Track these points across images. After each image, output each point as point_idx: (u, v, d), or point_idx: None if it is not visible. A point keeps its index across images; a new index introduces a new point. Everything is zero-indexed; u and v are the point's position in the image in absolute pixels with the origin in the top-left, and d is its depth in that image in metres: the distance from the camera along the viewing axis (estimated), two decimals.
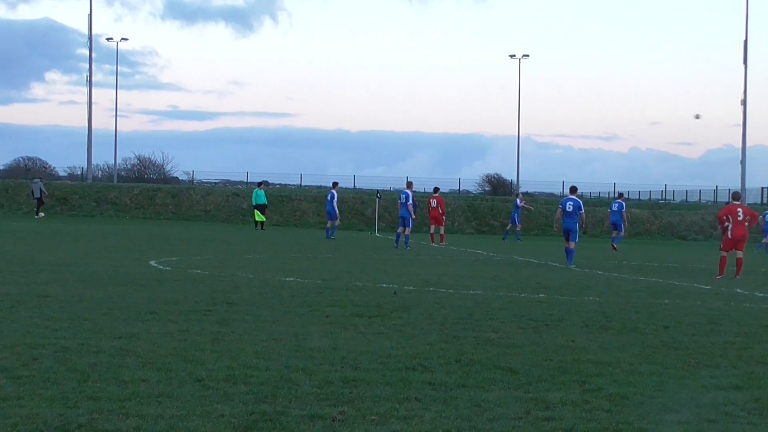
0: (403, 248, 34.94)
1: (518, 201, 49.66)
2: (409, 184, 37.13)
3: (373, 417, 7.62)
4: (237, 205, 64.16)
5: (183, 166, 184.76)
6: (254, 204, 51.96)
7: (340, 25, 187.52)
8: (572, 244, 28.35)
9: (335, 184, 44.68)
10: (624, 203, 42.09)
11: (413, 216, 35.94)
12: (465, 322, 13.55)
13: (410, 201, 35.81)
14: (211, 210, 64.41)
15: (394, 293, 17.30)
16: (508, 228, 50.29)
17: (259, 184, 55.93)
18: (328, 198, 43.52)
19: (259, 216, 51.22)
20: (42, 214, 57.32)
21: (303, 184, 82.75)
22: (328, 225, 43.21)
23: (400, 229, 36.42)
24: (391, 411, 7.83)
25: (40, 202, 58.15)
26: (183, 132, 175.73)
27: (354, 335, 11.89)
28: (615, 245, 39.56)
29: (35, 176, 68.33)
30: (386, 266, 25.28)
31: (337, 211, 43.33)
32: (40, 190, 58.01)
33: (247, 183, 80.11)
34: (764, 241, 44.41)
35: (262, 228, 50.45)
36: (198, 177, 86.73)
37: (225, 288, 17.31)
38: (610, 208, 42.75)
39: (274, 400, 8.06)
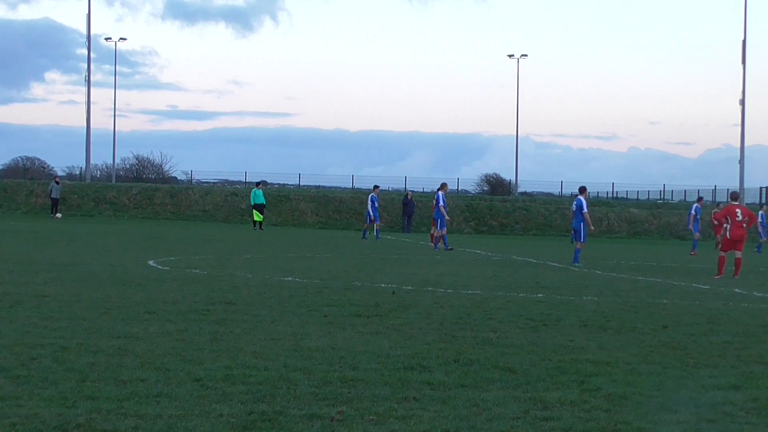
0: (442, 248, 35.05)
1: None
2: (442, 186, 37.39)
3: (371, 417, 7.62)
4: (236, 204, 64.17)
5: (182, 165, 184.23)
6: (252, 204, 52.03)
7: (340, 25, 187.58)
8: (577, 244, 29.07)
9: (376, 187, 44.75)
10: (700, 207, 41.75)
11: (447, 217, 36.01)
12: (463, 321, 13.55)
13: (441, 203, 36.02)
14: (209, 210, 64.41)
15: (393, 293, 17.29)
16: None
17: (258, 183, 56.04)
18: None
19: (257, 216, 51.29)
20: (59, 215, 57.78)
21: (302, 183, 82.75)
22: (377, 227, 43.12)
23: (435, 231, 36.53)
24: (389, 411, 7.83)
25: (56, 202, 58.80)
26: (182, 132, 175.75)
27: (352, 335, 11.89)
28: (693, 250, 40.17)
29: (54, 178, 68.63)
30: (385, 266, 25.28)
31: (372, 213, 43.28)
32: (52, 190, 58.93)
33: (245, 183, 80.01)
34: (762, 240, 44.17)
35: (260, 228, 50.50)
36: (197, 177, 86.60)
37: (223, 288, 17.31)
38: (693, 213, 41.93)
39: (272, 400, 8.06)
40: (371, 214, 43.08)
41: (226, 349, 10.44)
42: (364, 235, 43.15)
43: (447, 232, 36.21)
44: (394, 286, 18.79)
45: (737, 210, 25.25)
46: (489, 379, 9.26)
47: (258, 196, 51.87)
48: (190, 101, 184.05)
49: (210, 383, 8.63)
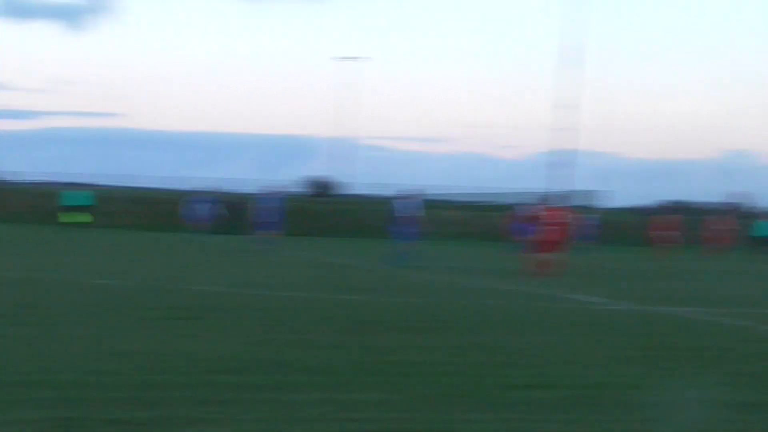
0: (263, 248, 34.69)
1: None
2: (271, 189, 37.83)
3: (176, 421, 7.54)
4: (52, 207, 62.36)
5: (3, 166, 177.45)
6: (64, 205, 51.28)
7: (168, 24, 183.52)
8: (396, 246, 29.30)
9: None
10: (523, 210, 42.57)
11: (269, 220, 35.93)
12: (276, 323, 13.56)
13: (264, 204, 36.28)
14: (24, 211, 62.41)
15: (208, 295, 17.16)
16: None
17: (74, 185, 54.98)
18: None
19: (71, 217, 50.51)
20: None
21: (122, 184, 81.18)
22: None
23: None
24: (195, 414, 7.76)
25: None
26: (4, 132, 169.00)
27: (163, 338, 11.71)
28: None
29: None
30: (203, 268, 25.09)
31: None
32: None
33: (65, 184, 77.91)
34: (584, 243, 45.37)
35: (78, 229, 49.48)
36: (16, 178, 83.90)
37: (32, 291, 16.80)
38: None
39: (73, 405, 7.85)
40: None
41: (27, 354, 10.13)
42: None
43: (272, 235, 35.97)
44: (210, 288, 18.64)
45: (551, 212, 25.98)
46: (299, 382, 9.28)
47: (70, 197, 51.12)
48: (14, 100, 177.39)
49: (7, 388, 8.35)
